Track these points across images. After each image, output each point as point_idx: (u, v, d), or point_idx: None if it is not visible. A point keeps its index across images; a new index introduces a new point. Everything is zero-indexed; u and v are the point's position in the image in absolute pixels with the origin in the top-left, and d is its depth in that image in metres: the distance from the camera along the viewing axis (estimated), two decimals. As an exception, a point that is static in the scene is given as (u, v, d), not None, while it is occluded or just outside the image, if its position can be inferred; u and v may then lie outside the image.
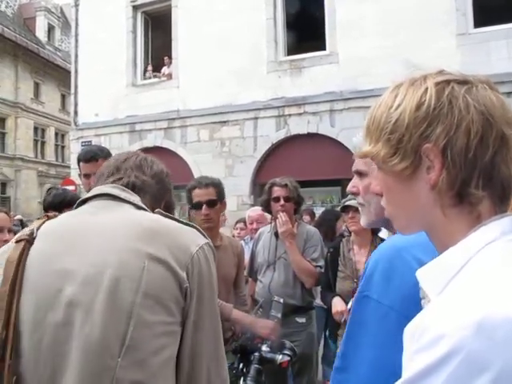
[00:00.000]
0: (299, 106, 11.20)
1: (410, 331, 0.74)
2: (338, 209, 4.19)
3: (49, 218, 1.33)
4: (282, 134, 11.43)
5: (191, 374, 1.20)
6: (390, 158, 0.83)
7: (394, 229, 1.36)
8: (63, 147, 29.14)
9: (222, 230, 3.34)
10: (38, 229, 1.27)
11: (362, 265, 3.06)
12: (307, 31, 11.46)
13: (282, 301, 2.98)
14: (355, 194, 1.53)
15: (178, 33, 12.65)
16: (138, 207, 1.33)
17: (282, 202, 3.63)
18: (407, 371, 0.70)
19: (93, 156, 2.98)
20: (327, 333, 3.95)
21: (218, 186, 3.02)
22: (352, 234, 3.60)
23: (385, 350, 1.15)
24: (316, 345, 4.07)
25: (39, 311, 1.14)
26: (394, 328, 1.14)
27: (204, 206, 2.92)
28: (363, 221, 1.51)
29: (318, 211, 8.23)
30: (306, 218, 6.91)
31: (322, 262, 3.66)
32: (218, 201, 2.98)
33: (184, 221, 1.33)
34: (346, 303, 3.21)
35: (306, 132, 11.16)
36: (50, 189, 3.70)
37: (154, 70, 13.43)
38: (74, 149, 13.78)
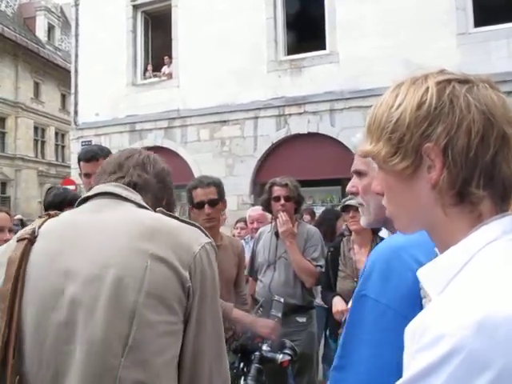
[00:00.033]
0: (299, 106, 11.20)
1: (411, 331, 0.74)
2: (339, 208, 4.18)
3: (50, 216, 1.33)
4: (282, 134, 11.43)
5: (193, 373, 1.20)
6: (390, 157, 0.83)
7: (394, 228, 1.36)
8: (63, 147, 29.13)
9: (222, 230, 3.34)
10: (39, 227, 1.26)
11: (363, 264, 3.06)
12: (307, 31, 11.46)
13: (282, 300, 2.98)
14: (355, 194, 1.53)
15: (178, 32, 12.65)
16: (140, 206, 1.32)
17: (282, 201, 3.63)
18: (408, 370, 0.70)
19: (93, 155, 2.98)
20: (327, 332, 3.96)
21: (218, 186, 3.03)
22: (352, 233, 3.60)
23: (382, 349, 1.16)
24: (316, 344, 4.07)
25: (42, 311, 1.13)
26: (391, 327, 1.14)
27: (206, 206, 2.92)
28: (363, 221, 1.51)
29: (319, 211, 8.23)
30: (307, 217, 6.91)
31: (322, 262, 3.66)
32: (219, 200, 2.99)
33: (186, 219, 1.32)
34: (347, 302, 3.21)
35: (306, 131, 11.17)
36: (50, 188, 3.71)
37: (154, 70, 13.43)
38: (74, 148, 13.79)
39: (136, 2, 13.49)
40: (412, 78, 0.84)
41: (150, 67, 13.53)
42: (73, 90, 14.35)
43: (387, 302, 1.17)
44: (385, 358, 1.15)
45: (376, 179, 0.93)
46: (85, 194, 1.40)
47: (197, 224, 1.33)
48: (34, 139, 27.19)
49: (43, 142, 28.11)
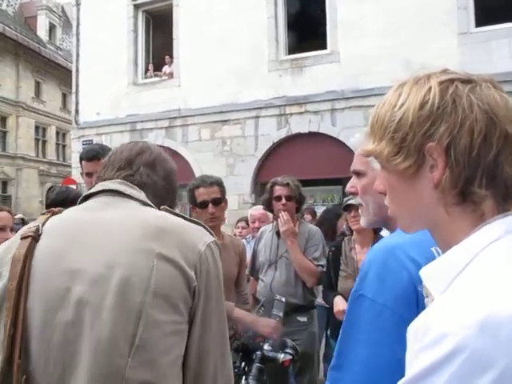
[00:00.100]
0: (300, 105, 11.20)
1: (414, 330, 0.75)
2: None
3: (53, 213, 1.32)
4: (283, 133, 11.43)
5: (198, 372, 1.20)
6: (393, 156, 0.83)
7: (394, 228, 1.37)
8: (64, 146, 29.15)
9: (222, 229, 3.34)
10: (43, 225, 1.25)
11: (364, 264, 3.06)
12: (308, 30, 11.46)
13: (283, 300, 2.98)
14: (354, 194, 1.53)
15: (179, 32, 12.64)
16: (144, 203, 1.31)
17: (283, 201, 3.63)
18: (411, 369, 0.70)
19: (95, 155, 2.99)
20: (329, 332, 3.96)
21: (221, 185, 3.03)
22: (354, 232, 3.60)
23: (379, 348, 1.16)
24: (317, 344, 4.08)
25: (48, 310, 1.13)
26: (388, 326, 1.15)
27: (210, 205, 2.92)
28: (363, 221, 1.52)
29: (319, 210, 8.24)
30: (308, 217, 6.91)
31: (323, 261, 3.67)
32: (222, 199, 3.00)
33: (190, 218, 1.32)
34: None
35: (307, 131, 11.16)
36: (51, 187, 3.71)
37: (155, 69, 13.42)
38: (75, 148, 13.80)
39: (137, 2, 13.48)
40: (415, 77, 0.84)
41: (150, 67, 13.52)
42: (74, 90, 14.35)
43: (384, 301, 1.18)
44: (382, 357, 1.15)
45: (378, 178, 0.93)
46: (88, 191, 1.38)
47: (201, 222, 1.32)
48: (35, 138, 27.19)
49: (44, 142, 28.11)
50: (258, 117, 11.61)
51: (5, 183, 25.18)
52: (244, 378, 2.60)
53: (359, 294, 1.24)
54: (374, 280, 1.21)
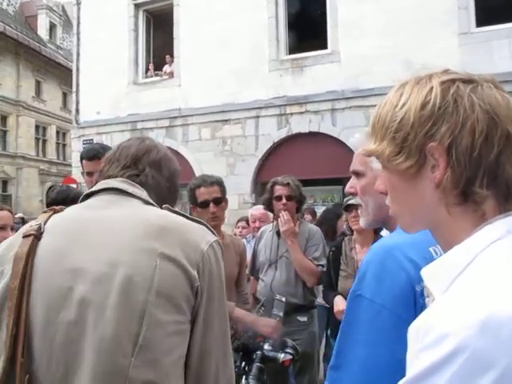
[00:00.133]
0: (301, 105, 11.20)
1: (415, 330, 0.74)
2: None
3: (55, 211, 1.31)
4: (283, 133, 11.43)
5: (200, 372, 1.20)
6: (394, 156, 0.83)
7: (393, 228, 1.37)
8: (64, 145, 29.17)
9: (222, 228, 3.35)
10: (45, 223, 1.24)
11: (364, 264, 3.08)
12: (309, 30, 11.47)
13: (283, 299, 2.98)
14: (353, 195, 1.54)
15: (180, 31, 12.64)
16: (146, 202, 1.31)
17: (283, 200, 3.63)
18: (412, 369, 0.70)
19: (95, 154, 2.99)
20: (329, 331, 3.96)
21: (221, 184, 3.04)
22: (354, 232, 3.60)
23: (377, 349, 1.17)
24: (317, 343, 4.08)
25: (51, 309, 1.12)
26: (386, 326, 1.15)
27: (211, 204, 2.93)
28: (362, 221, 1.52)
29: (319, 210, 8.24)
30: (308, 216, 6.91)
31: (323, 261, 3.67)
32: (222, 199, 3.00)
33: (192, 217, 1.32)
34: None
35: (307, 131, 11.16)
36: (51, 187, 3.71)
37: (155, 69, 13.41)
38: (76, 147, 13.80)
39: (137, 1, 13.48)
40: (416, 77, 0.84)
41: (151, 66, 13.51)
42: (74, 89, 14.35)
43: (382, 301, 1.18)
44: (380, 357, 1.16)
45: (379, 178, 0.93)
46: (90, 189, 1.37)
47: (203, 221, 1.32)
48: (36, 138, 27.21)
49: (44, 141, 28.12)
50: (258, 116, 11.61)
51: (5, 182, 25.19)
52: (244, 377, 2.60)
53: (357, 294, 1.24)
54: (372, 280, 1.22)
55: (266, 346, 2.69)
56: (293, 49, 11.72)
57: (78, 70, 14.21)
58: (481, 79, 0.81)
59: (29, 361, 1.11)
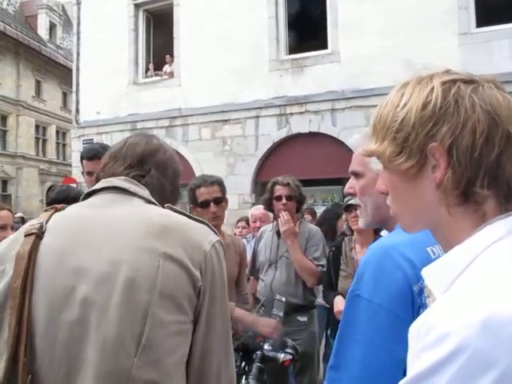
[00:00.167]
0: (301, 105, 11.20)
1: (416, 329, 0.75)
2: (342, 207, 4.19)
3: (57, 210, 1.30)
4: (283, 133, 11.43)
5: (202, 372, 1.20)
6: (395, 156, 0.83)
7: (392, 228, 1.38)
8: (64, 145, 29.17)
9: (222, 228, 3.35)
10: (46, 222, 1.24)
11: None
12: (309, 30, 11.47)
13: (284, 299, 2.98)
14: (352, 195, 1.54)
15: (180, 31, 12.64)
16: (148, 201, 1.30)
17: (284, 200, 3.63)
18: (413, 369, 0.70)
19: (95, 154, 2.99)
20: (329, 332, 3.96)
21: (221, 184, 3.04)
22: (354, 232, 3.60)
23: (376, 348, 1.17)
24: (317, 344, 4.08)
25: (53, 309, 1.12)
26: (384, 326, 1.16)
27: (212, 204, 2.93)
28: (361, 222, 1.53)
29: (319, 210, 8.24)
30: (308, 216, 6.91)
31: (323, 261, 3.67)
32: (223, 198, 3.00)
33: (193, 216, 1.31)
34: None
35: (307, 131, 11.16)
36: (51, 186, 3.71)
37: (155, 69, 13.41)
38: (76, 147, 13.80)
39: (137, 1, 13.48)
40: (417, 77, 0.85)
41: (151, 66, 13.51)
42: (74, 89, 14.36)
43: (380, 301, 1.18)
44: (378, 357, 1.17)
45: (380, 178, 0.94)
46: (91, 187, 1.36)
47: (205, 221, 1.32)
48: (36, 137, 27.21)
49: (44, 141, 28.13)
50: (258, 116, 11.61)
51: (5, 182, 25.19)
52: (244, 377, 2.60)
53: (355, 294, 1.24)
54: (370, 280, 1.22)
55: (266, 346, 2.69)
56: (293, 49, 11.72)
57: (78, 69, 14.21)
58: (482, 80, 0.81)
59: (31, 360, 1.10)
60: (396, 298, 1.17)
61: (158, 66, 13.41)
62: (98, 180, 1.40)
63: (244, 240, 4.93)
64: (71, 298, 1.12)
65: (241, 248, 3.27)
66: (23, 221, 10.82)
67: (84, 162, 3.10)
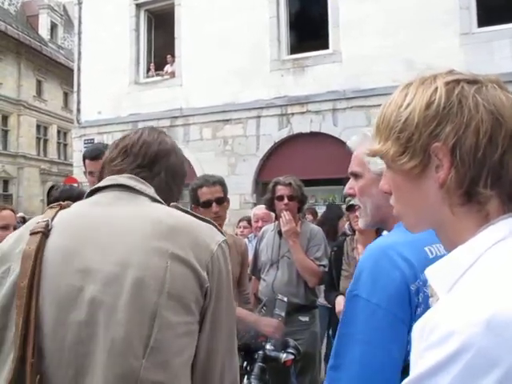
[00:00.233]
0: (302, 105, 11.19)
1: (419, 329, 0.75)
2: (344, 207, 4.19)
3: (62, 207, 1.28)
4: (284, 133, 11.42)
5: (206, 370, 1.19)
6: (399, 156, 0.84)
7: (391, 229, 1.38)
8: (65, 145, 29.17)
9: (224, 228, 3.35)
10: (52, 219, 1.22)
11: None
12: (310, 30, 11.45)
13: (285, 299, 2.98)
14: (352, 196, 1.55)
15: (181, 31, 12.63)
16: (154, 199, 1.29)
17: (285, 200, 3.63)
18: (417, 368, 0.70)
19: (98, 154, 2.99)
20: (330, 332, 3.96)
21: (223, 184, 3.04)
22: (356, 232, 3.60)
23: (374, 348, 1.18)
24: (319, 344, 4.07)
25: (61, 309, 1.11)
26: (381, 325, 1.16)
27: (214, 204, 2.93)
28: (361, 222, 1.53)
29: (321, 210, 8.24)
30: (309, 216, 6.91)
31: (325, 261, 3.67)
32: (224, 198, 3.00)
33: (199, 215, 1.31)
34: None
35: (308, 131, 11.15)
36: (54, 186, 3.71)
37: (156, 69, 13.40)
38: (77, 147, 13.81)
39: (139, 1, 13.47)
40: (421, 77, 0.85)
41: (152, 66, 13.50)
42: (75, 89, 14.35)
43: (378, 301, 1.19)
44: (377, 356, 1.17)
45: (384, 178, 0.94)
46: (96, 185, 1.33)
47: (211, 220, 1.32)
48: (37, 137, 27.21)
49: (45, 140, 28.14)
50: (259, 116, 11.60)
51: (6, 182, 25.20)
52: (246, 377, 2.60)
53: (354, 294, 1.25)
54: (368, 280, 1.23)
55: (268, 346, 2.69)
56: (294, 49, 11.72)
57: (79, 69, 14.21)
58: (485, 80, 0.82)
59: (39, 361, 1.09)
60: (394, 298, 1.18)
61: (160, 66, 13.40)
62: (102, 173, 1.38)
63: (246, 240, 4.93)
64: (79, 299, 1.11)
65: (242, 248, 3.27)
66: (24, 221, 10.83)
67: (87, 161, 3.11)
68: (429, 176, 0.82)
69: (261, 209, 5.24)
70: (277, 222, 3.83)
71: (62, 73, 27.29)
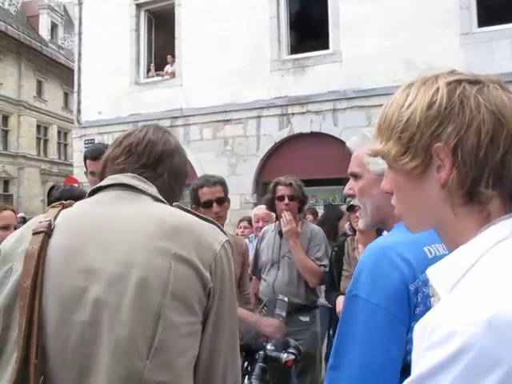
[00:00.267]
0: (302, 105, 11.19)
1: (420, 329, 0.75)
2: (345, 208, 4.19)
3: (64, 206, 1.27)
4: (284, 133, 11.43)
5: (208, 370, 1.19)
6: (400, 156, 0.84)
7: (391, 229, 1.38)
8: (66, 145, 29.17)
9: (225, 228, 3.34)
10: (54, 219, 1.21)
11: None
12: (310, 30, 11.46)
13: (286, 299, 2.98)
14: (352, 196, 1.55)
15: (182, 31, 12.63)
16: (156, 199, 1.28)
17: (286, 200, 3.64)
18: (418, 368, 0.70)
19: (100, 154, 2.98)
20: (331, 332, 3.96)
21: (224, 184, 3.04)
22: (357, 232, 3.60)
23: (374, 348, 1.18)
24: (320, 344, 4.08)
25: (64, 310, 1.10)
26: (381, 325, 1.16)
27: (214, 204, 2.93)
28: (361, 223, 1.54)
29: (321, 210, 8.23)
30: (309, 217, 6.91)
31: (325, 261, 3.67)
32: (225, 198, 3.00)
33: (202, 215, 1.30)
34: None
35: (308, 131, 11.16)
36: (54, 186, 3.72)
37: (157, 69, 13.40)
38: (77, 147, 13.81)
39: (139, 1, 13.47)
40: (422, 78, 0.85)
41: (152, 66, 13.50)
42: (76, 89, 14.36)
43: (377, 301, 1.19)
44: (376, 356, 1.17)
45: (385, 178, 0.94)
46: (98, 184, 1.32)
47: (213, 220, 1.31)
48: (37, 137, 27.21)
49: (46, 141, 28.14)
50: (259, 116, 11.60)
51: (6, 182, 25.21)
52: (247, 377, 2.60)
53: (353, 294, 1.25)
54: (367, 280, 1.23)
55: (269, 346, 2.69)
56: (294, 49, 11.72)
57: (79, 69, 14.21)
58: (487, 80, 0.82)
59: (43, 361, 1.08)
60: (393, 298, 1.18)
61: (160, 66, 13.41)
62: (104, 171, 1.37)
63: (246, 240, 4.93)
64: (83, 299, 1.10)
65: (243, 248, 3.26)
66: (24, 221, 10.83)
67: (88, 161, 3.11)
68: (430, 176, 0.82)
69: (262, 209, 5.24)
70: (277, 222, 3.83)
71: (63, 73, 27.31)
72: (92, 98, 13.42)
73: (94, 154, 3.07)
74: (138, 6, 13.57)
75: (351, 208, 3.48)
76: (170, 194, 1.36)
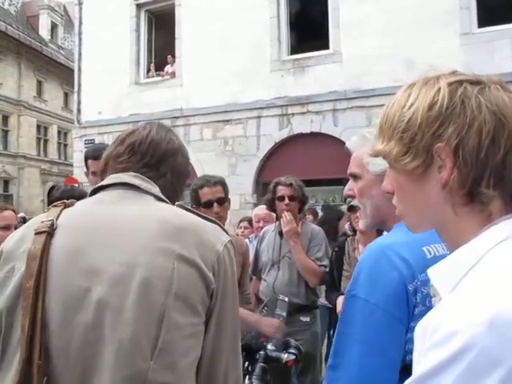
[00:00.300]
0: (302, 105, 11.19)
1: (422, 329, 0.75)
2: (345, 208, 4.19)
3: (66, 205, 1.26)
4: (284, 133, 11.43)
5: (210, 370, 1.19)
6: (402, 156, 0.84)
7: (391, 229, 1.39)
8: (66, 145, 29.18)
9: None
10: (56, 218, 1.20)
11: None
12: (310, 30, 11.45)
13: (286, 299, 2.98)
14: (352, 197, 1.55)
15: (182, 31, 12.64)
16: (159, 198, 1.27)
17: (286, 201, 3.64)
18: (420, 367, 0.70)
19: (101, 154, 2.98)
20: (331, 332, 3.96)
21: (224, 184, 3.04)
22: (357, 232, 3.60)
23: (372, 348, 1.18)
24: (320, 344, 4.08)
25: (67, 310, 1.10)
26: (380, 325, 1.17)
27: (215, 204, 2.93)
28: (361, 223, 1.54)
29: (320, 211, 8.23)
30: (309, 217, 6.91)
31: (326, 261, 3.67)
32: (225, 199, 3.00)
33: (204, 215, 1.30)
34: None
35: (309, 131, 11.16)
36: (54, 186, 3.72)
37: (157, 69, 13.40)
38: (77, 147, 13.82)
39: (139, 1, 13.47)
40: (424, 78, 0.85)
41: (152, 66, 13.51)
42: (76, 89, 14.36)
43: (376, 301, 1.19)
44: (375, 356, 1.17)
45: (387, 178, 0.94)
46: (100, 183, 1.31)
47: (216, 220, 1.31)
48: (37, 137, 27.21)
49: (46, 141, 28.14)
50: (259, 117, 11.61)
51: (6, 182, 25.21)
52: (247, 377, 2.60)
53: (352, 294, 1.25)
54: (366, 280, 1.23)
55: (270, 346, 2.69)
56: (294, 49, 11.72)
57: (79, 69, 14.22)
58: (488, 80, 0.82)
59: (46, 362, 1.08)
60: (391, 298, 1.18)
61: (160, 66, 13.41)
62: (105, 169, 1.36)
63: (247, 240, 4.93)
64: (86, 300, 1.10)
65: (243, 248, 3.26)
66: (24, 221, 10.83)
67: (89, 161, 3.10)
68: (431, 176, 0.82)
69: (262, 209, 5.24)
70: (278, 223, 3.83)
71: (63, 73, 27.30)
72: (92, 98, 13.43)
73: (95, 153, 3.06)
74: (138, 6, 13.57)
75: (352, 208, 3.48)
76: (172, 194, 1.36)
